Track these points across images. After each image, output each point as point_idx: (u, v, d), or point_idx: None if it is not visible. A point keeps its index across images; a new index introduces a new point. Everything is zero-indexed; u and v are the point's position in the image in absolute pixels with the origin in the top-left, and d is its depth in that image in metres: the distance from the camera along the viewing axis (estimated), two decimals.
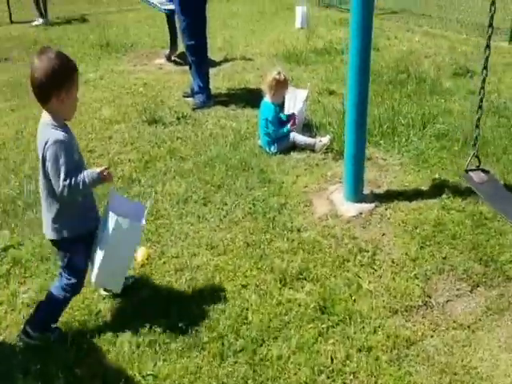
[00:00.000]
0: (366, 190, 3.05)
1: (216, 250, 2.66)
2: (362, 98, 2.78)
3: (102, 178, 1.93)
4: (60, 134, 1.88)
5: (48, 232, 2.06)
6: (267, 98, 3.69)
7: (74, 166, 1.91)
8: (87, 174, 1.91)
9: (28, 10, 7.98)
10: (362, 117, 2.83)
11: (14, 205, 3.14)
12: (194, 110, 4.46)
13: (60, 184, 1.87)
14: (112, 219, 1.98)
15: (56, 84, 1.86)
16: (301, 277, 2.43)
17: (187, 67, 4.85)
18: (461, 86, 4.66)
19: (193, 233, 2.80)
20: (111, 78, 5.33)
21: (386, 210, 2.91)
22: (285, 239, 2.70)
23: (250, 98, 4.67)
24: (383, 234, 2.73)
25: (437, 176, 3.16)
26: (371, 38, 2.70)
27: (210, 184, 3.27)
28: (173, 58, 6.01)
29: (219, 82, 5.14)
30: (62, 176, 1.86)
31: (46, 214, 2.02)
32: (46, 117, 1.94)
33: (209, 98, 4.56)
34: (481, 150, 3.43)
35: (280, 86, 3.63)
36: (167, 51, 6.07)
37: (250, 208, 2.99)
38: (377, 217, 2.86)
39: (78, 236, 2.04)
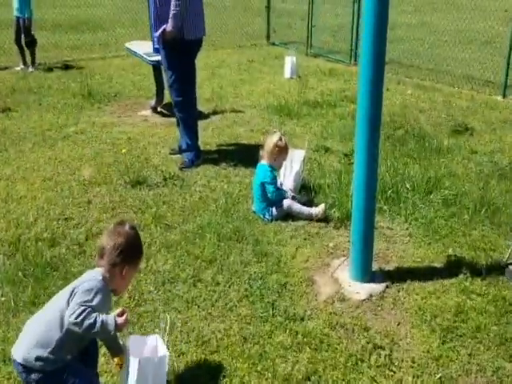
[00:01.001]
0: (375, 267, 2.75)
1: (208, 345, 2.28)
2: (372, 161, 2.52)
3: (117, 326, 1.78)
4: (105, 289, 1.85)
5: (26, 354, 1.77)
6: (265, 162, 3.43)
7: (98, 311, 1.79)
8: (106, 320, 1.75)
9: (8, 56, 7.76)
10: (372, 183, 2.56)
11: None
12: (181, 169, 4.17)
13: (76, 307, 1.72)
14: (134, 363, 1.83)
15: (129, 259, 1.92)
16: (309, 383, 2.08)
17: (174, 119, 4.61)
18: (462, 144, 4.51)
19: (181, 323, 2.43)
20: (92, 132, 5.03)
21: (399, 291, 2.61)
22: (287, 331, 2.35)
23: (241, 154, 4.42)
24: (398, 324, 2.40)
25: (450, 251, 2.90)
26: (382, 94, 2.47)
27: (200, 259, 2.93)
28: (159, 109, 5.78)
29: (208, 136, 4.89)
30: (84, 305, 1.74)
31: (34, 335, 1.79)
32: (100, 273, 1.89)
33: (197, 157, 4.29)
34: (491, 218, 3.20)
35: (281, 152, 3.41)
36: (153, 102, 5.85)
37: (246, 289, 2.65)
38: (389, 301, 2.55)
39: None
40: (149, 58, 5.42)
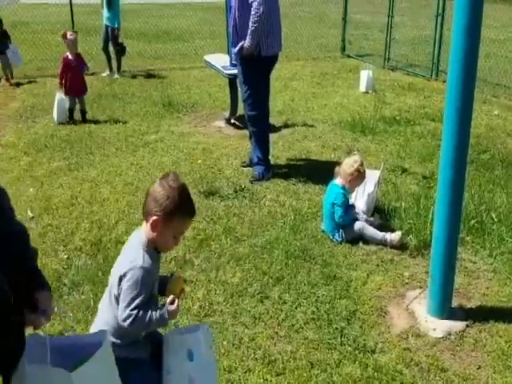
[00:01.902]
0: (455, 303, 2.63)
1: (274, 366, 2.32)
2: (457, 186, 2.40)
3: (170, 314, 1.71)
4: (147, 261, 1.71)
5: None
6: (338, 182, 3.42)
7: (148, 300, 1.72)
8: (156, 315, 1.70)
9: (96, 62, 8.36)
10: (455, 211, 2.45)
11: (60, 283, 2.98)
12: (251, 182, 4.27)
13: (126, 312, 1.69)
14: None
15: (166, 211, 1.71)
16: None
17: (246, 131, 4.73)
18: None
19: (248, 339, 2.49)
20: (171, 141, 5.30)
21: (480, 332, 2.47)
22: (357, 363, 2.32)
23: (311, 170, 4.43)
24: (479, 367, 2.28)
25: None
26: (471, 113, 2.34)
27: (267, 275, 2.98)
28: (232, 121, 5.96)
29: (279, 150, 4.96)
30: (132, 305, 1.68)
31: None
32: (140, 235, 1.78)
33: (268, 171, 4.37)
34: None
35: (360, 177, 3.38)
36: (227, 113, 6.04)
37: (313, 312, 2.65)
38: (469, 341, 2.42)
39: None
40: (225, 72, 5.61)
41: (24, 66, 7.77)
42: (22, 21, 10.74)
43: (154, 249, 1.74)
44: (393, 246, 3.21)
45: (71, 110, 5.92)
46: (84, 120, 5.89)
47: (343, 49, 10.06)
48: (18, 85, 7.42)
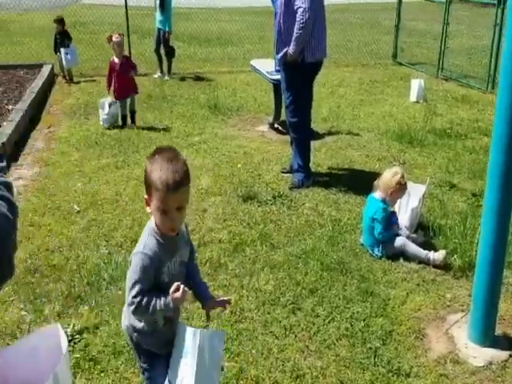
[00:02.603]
0: (498, 330, 2.46)
1: (302, 381, 2.26)
2: (506, 206, 2.26)
3: (175, 301, 1.62)
4: (150, 245, 1.64)
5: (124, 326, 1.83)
6: (378, 196, 3.30)
7: (151, 286, 1.66)
8: (160, 303, 1.64)
9: (149, 63, 8.62)
10: (503, 232, 2.30)
11: (99, 277, 3.06)
12: (290, 189, 4.22)
13: (130, 298, 1.66)
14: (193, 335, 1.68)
15: (147, 187, 1.63)
16: None
17: (288, 137, 4.69)
18: None
19: (277, 350, 2.44)
20: (214, 143, 5.35)
21: None
22: None
23: (353, 181, 4.32)
24: None
25: None
26: None
27: (301, 286, 2.92)
28: (275, 126, 5.93)
29: (321, 158, 4.88)
30: (134, 292, 1.64)
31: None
32: (151, 220, 1.71)
33: (308, 178, 4.30)
34: None
35: (401, 190, 3.25)
36: (271, 118, 6.03)
37: (347, 329, 2.57)
38: None
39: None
40: (270, 77, 5.61)
41: (80, 64, 8.11)
42: (81, 21, 11.24)
43: (161, 233, 1.64)
44: (436, 266, 3.05)
45: (124, 116, 5.80)
46: (133, 121, 5.86)
47: (395, 56, 9.79)
48: (74, 83, 7.76)
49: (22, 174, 4.53)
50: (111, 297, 2.85)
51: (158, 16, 8.04)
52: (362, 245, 3.34)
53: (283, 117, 5.42)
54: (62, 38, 7.70)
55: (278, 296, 2.84)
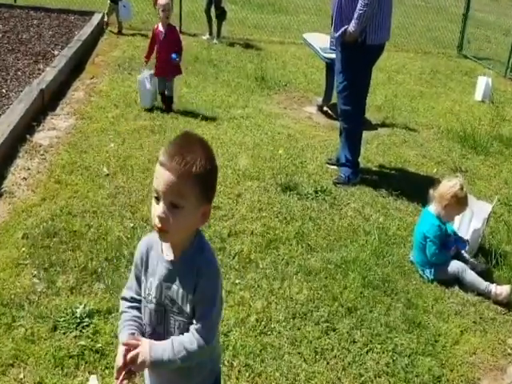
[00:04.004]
0: None
1: None
2: None
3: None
4: (145, 236, 1.38)
5: None
6: (433, 210, 2.88)
7: (131, 281, 1.38)
8: (121, 324, 1.35)
9: (199, 23, 8.19)
10: None
11: (119, 253, 2.81)
12: (335, 184, 3.82)
13: None
14: None
15: None
16: None
17: (338, 124, 4.25)
18: None
19: (304, 377, 2.13)
20: (256, 120, 4.96)
21: None
22: None
23: (406, 184, 3.88)
24: None
25: None
26: None
27: (338, 302, 2.58)
28: (325, 109, 5.48)
29: (372, 153, 4.43)
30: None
31: None
32: None
33: (355, 175, 3.88)
34: None
35: (457, 205, 2.80)
36: (320, 99, 5.57)
37: (388, 364, 2.22)
38: None
39: None
40: (323, 55, 5.11)
41: (132, 18, 7.80)
42: None
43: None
44: (497, 302, 2.64)
45: (162, 95, 4.88)
46: (169, 109, 4.81)
47: (460, 47, 8.99)
48: (122, 34, 7.47)
49: (56, 125, 4.32)
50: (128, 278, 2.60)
51: None
52: (412, 262, 2.95)
53: (334, 99, 4.97)
54: None
55: (311, 309, 2.51)
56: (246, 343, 2.25)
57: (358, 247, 3.05)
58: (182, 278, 1.25)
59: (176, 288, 1.26)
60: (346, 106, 3.81)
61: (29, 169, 3.54)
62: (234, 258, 2.86)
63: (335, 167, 4.06)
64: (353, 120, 3.86)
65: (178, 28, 7.90)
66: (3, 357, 2.05)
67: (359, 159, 3.98)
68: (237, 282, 2.66)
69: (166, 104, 4.86)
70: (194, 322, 1.25)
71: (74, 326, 2.25)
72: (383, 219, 3.39)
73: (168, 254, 1.28)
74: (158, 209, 1.19)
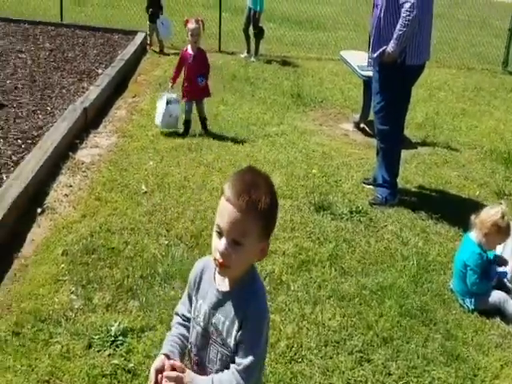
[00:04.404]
0: None
1: None
2: None
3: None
4: (206, 257, 1.39)
5: None
6: (474, 237, 2.73)
7: (184, 299, 1.43)
8: (166, 338, 1.39)
9: (238, 42, 8.32)
10: None
11: (154, 271, 2.82)
12: (371, 205, 3.72)
13: None
14: None
15: None
16: None
17: (375, 142, 4.16)
18: None
19: None
20: (291, 137, 4.94)
21: None
22: None
23: (447, 207, 3.72)
24: None
25: None
26: None
27: (373, 331, 2.48)
28: (361, 126, 5.40)
29: (411, 172, 4.30)
30: None
31: None
32: None
33: (393, 196, 3.76)
34: None
35: (499, 233, 2.66)
36: (357, 116, 5.49)
37: None
38: None
39: None
40: (361, 72, 5.06)
41: (172, 36, 8.01)
42: None
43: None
44: None
45: (187, 121, 4.73)
46: (205, 129, 4.77)
47: (505, 63, 8.67)
48: (164, 54, 7.65)
49: (99, 143, 4.45)
50: (162, 296, 2.61)
51: None
52: (452, 291, 2.80)
53: (372, 116, 4.89)
54: (156, 9, 7.63)
55: (344, 338, 2.43)
56: (276, 370, 2.19)
57: (395, 273, 2.93)
58: (230, 311, 1.24)
59: (223, 319, 1.25)
60: (384, 126, 3.73)
61: (71, 186, 3.65)
62: (265, 278, 2.81)
63: (372, 187, 3.96)
64: (390, 139, 3.76)
65: (217, 47, 8.16)
66: (39, 373, 2.09)
67: (397, 179, 3.86)
68: (267, 304, 2.62)
69: (203, 125, 4.81)
70: (236, 359, 1.23)
71: (108, 344, 2.27)
72: (422, 244, 3.25)
73: (220, 283, 1.27)
74: (220, 244, 1.19)
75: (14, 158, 3.76)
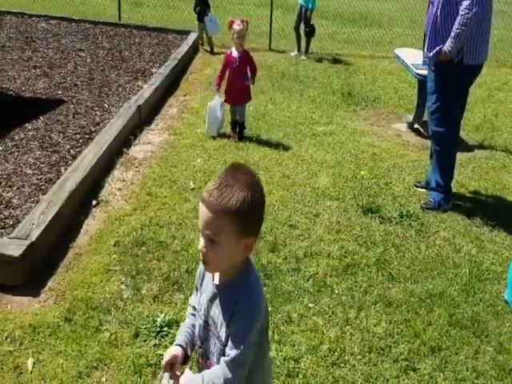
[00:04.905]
0: None
1: None
2: None
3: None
4: None
5: None
6: None
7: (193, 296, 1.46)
8: (181, 327, 1.45)
9: (288, 40, 8.29)
10: None
11: (198, 266, 2.88)
12: (423, 209, 3.60)
13: None
14: None
15: None
16: None
17: (429, 143, 4.00)
18: None
19: None
20: (340, 137, 4.86)
21: None
22: None
23: (504, 215, 3.53)
24: None
25: None
26: None
27: (420, 339, 2.40)
28: (415, 126, 5.22)
29: (466, 177, 4.11)
30: None
31: None
32: None
33: (446, 201, 3.62)
34: None
35: None
36: (411, 116, 5.31)
37: None
38: None
39: None
40: (415, 71, 4.88)
41: (224, 35, 8.09)
42: None
43: None
44: None
45: (234, 123, 4.69)
46: (240, 137, 4.61)
47: None
48: (214, 53, 7.75)
49: (151, 140, 4.60)
50: None
51: None
52: (506, 302, 2.66)
53: (426, 117, 4.71)
54: (203, 7, 7.74)
55: (389, 345, 2.37)
56: (318, 373, 2.18)
57: (445, 280, 2.82)
58: (222, 305, 1.27)
59: (217, 312, 1.28)
60: (439, 128, 3.59)
61: (124, 180, 3.81)
62: (308, 280, 2.80)
63: (424, 191, 3.83)
64: (446, 142, 3.61)
65: (267, 45, 8.17)
66: (88, 358, 2.20)
67: (452, 183, 3.71)
68: (310, 305, 2.60)
69: (239, 131, 4.66)
70: (226, 352, 1.24)
71: (154, 334, 2.35)
72: (476, 251, 3.10)
73: (215, 277, 1.30)
74: (199, 243, 1.23)
75: (72, 152, 3.96)
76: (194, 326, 1.39)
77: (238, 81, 4.55)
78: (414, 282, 2.82)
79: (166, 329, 2.40)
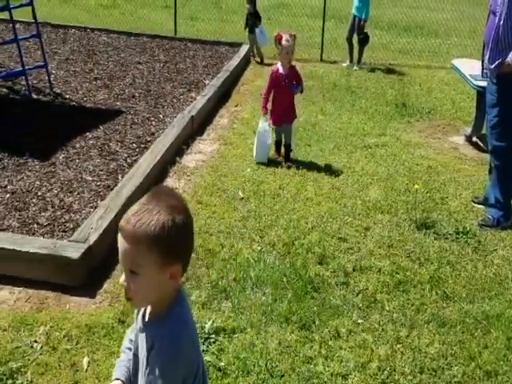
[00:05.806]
0: None
1: None
2: None
3: None
4: None
5: None
6: None
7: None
8: (117, 363, 1.33)
9: (340, 50, 8.24)
10: None
11: (246, 275, 2.91)
12: (481, 226, 3.43)
13: None
14: None
15: None
16: None
17: (488, 158, 3.81)
18: None
19: None
20: (393, 149, 4.75)
21: None
22: None
23: None
24: None
25: None
26: None
27: (475, 362, 2.28)
28: (474, 140, 5.00)
29: None
30: None
31: None
32: None
33: (506, 218, 3.44)
34: None
35: None
36: (469, 129, 5.10)
37: None
38: None
39: None
40: (474, 82, 4.69)
41: (274, 46, 8.17)
42: (285, 3, 11.40)
43: None
44: None
45: (278, 143, 4.44)
46: (287, 159, 4.35)
47: None
48: (264, 64, 7.86)
49: (202, 149, 4.71)
50: (253, 300, 2.69)
51: (356, 2, 7.56)
52: None
53: (485, 129, 4.50)
54: (254, 20, 7.86)
55: (442, 366, 2.27)
56: None
57: (504, 302, 2.67)
58: (146, 342, 1.15)
59: (141, 349, 1.18)
60: (499, 142, 3.44)
61: (176, 188, 3.92)
62: (357, 295, 2.75)
63: (482, 207, 3.66)
64: (506, 157, 3.45)
65: (318, 56, 8.16)
66: None
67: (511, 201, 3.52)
68: (359, 321, 2.55)
69: (285, 153, 4.39)
70: None
71: (202, 340, 2.38)
72: None
73: (147, 310, 1.19)
74: (121, 276, 1.12)
75: (128, 160, 4.14)
76: (130, 360, 1.28)
77: (285, 97, 4.28)
78: (469, 302, 2.69)
79: (213, 336, 2.44)
